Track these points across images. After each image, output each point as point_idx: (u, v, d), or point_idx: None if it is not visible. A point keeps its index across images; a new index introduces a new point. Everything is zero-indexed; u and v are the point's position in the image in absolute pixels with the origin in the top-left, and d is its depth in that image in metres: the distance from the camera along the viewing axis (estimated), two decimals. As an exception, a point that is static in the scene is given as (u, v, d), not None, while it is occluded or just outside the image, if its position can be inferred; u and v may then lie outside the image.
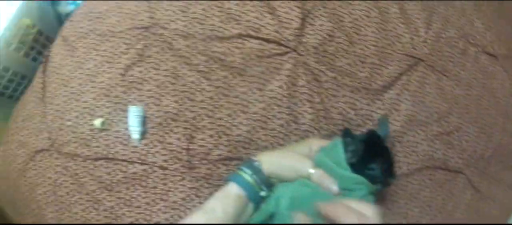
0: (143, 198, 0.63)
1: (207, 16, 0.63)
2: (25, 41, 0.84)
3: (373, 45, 0.64)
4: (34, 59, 0.87)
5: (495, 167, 0.80)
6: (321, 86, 0.62)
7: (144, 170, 0.63)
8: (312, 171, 0.51)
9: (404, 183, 0.69)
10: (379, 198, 0.67)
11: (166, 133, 0.61)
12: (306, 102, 0.61)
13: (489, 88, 0.77)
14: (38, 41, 0.86)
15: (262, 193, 0.52)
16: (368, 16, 0.65)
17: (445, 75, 0.70)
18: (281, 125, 0.60)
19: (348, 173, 0.51)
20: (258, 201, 0.53)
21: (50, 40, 0.88)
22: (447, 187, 0.74)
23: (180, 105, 0.61)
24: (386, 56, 0.65)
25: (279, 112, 0.60)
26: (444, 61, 0.70)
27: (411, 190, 0.70)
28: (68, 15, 0.86)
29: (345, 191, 0.52)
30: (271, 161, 0.52)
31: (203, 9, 0.63)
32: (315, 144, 0.55)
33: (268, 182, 0.52)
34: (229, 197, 0.51)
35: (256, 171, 0.51)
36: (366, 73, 0.63)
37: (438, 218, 0.74)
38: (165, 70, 0.62)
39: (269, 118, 0.60)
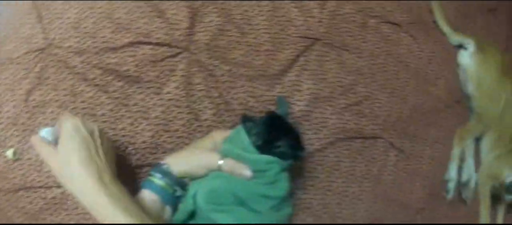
0: (68, 221, 0.63)
1: (98, 29, 0.63)
2: None
3: (266, 33, 0.65)
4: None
5: (415, 125, 0.83)
6: (217, 81, 0.62)
7: (62, 192, 0.62)
8: (221, 162, 0.52)
9: (320, 158, 0.71)
10: (299, 176, 0.70)
11: (75, 150, 0.62)
12: (205, 99, 0.62)
13: (395, 55, 0.79)
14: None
15: (177, 194, 0.54)
16: (258, 6, 0.66)
17: (345, 50, 0.72)
18: (184, 125, 0.61)
19: (257, 155, 0.53)
20: (174, 203, 0.54)
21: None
22: (367, 154, 0.76)
23: None
24: (280, 41, 0.66)
25: (179, 113, 0.61)
26: (343, 36, 0.72)
27: (329, 163, 0.72)
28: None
29: (258, 172, 0.54)
30: (179, 162, 0.53)
31: (94, 23, 0.63)
32: (218, 136, 0.57)
33: (181, 182, 0.53)
34: (143, 203, 0.52)
35: (166, 173, 0.52)
36: (261, 61, 0.64)
37: (366, 184, 0.76)
38: (64, 89, 0.62)
39: (170, 121, 0.61)
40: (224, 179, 0.53)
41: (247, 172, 0.53)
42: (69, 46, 0.63)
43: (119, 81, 0.61)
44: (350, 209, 0.74)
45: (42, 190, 0.63)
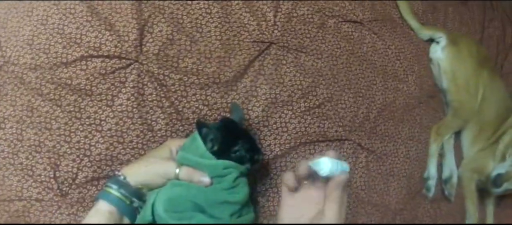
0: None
1: (51, 45, 0.63)
2: None
3: (217, 39, 0.64)
4: None
5: (385, 124, 0.81)
6: (169, 90, 0.62)
7: (23, 205, 0.63)
8: (178, 170, 0.52)
9: (282, 164, 0.69)
10: (262, 182, 0.69)
11: (33, 165, 0.63)
12: (157, 109, 0.62)
13: (359, 54, 0.78)
14: None
15: (135, 204, 0.54)
16: (209, 13, 0.65)
17: (303, 52, 0.71)
18: (138, 136, 0.61)
19: (214, 161, 0.53)
20: (132, 213, 0.54)
21: None
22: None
23: (40, 136, 0.62)
24: (232, 47, 0.65)
25: (132, 124, 0.61)
26: (300, 39, 0.70)
27: (292, 168, 0.72)
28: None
29: (217, 178, 0.53)
30: (136, 172, 0.53)
31: (47, 39, 0.63)
32: (174, 144, 0.56)
33: (138, 193, 0.53)
34: (101, 215, 0.52)
35: (122, 184, 0.52)
36: (213, 68, 0.64)
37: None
38: (21, 105, 0.63)
39: (124, 132, 0.61)
40: (182, 187, 0.52)
41: (205, 179, 0.52)
42: (24, 63, 0.64)
43: (71, 95, 0.62)
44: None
45: (6, 203, 0.64)
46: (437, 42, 0.90)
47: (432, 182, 0.87)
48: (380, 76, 0.80)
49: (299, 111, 0.70)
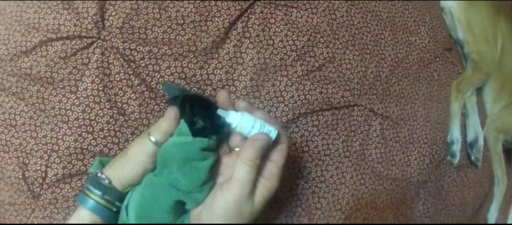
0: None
1: (10, 34, 0.51)
2: None
3: (190, 3, 0.49)
4: None
5: (399, 84, 0.63)
6: (138, 66, 0.48)
7: None
8: (152, 138, 0.38)
9: (282, 139, 0.53)
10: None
11: (3, 167, 0.50)
12: (127, 89, 0.48)
13: (360, 4, 0.61)
14: None
15: (115, 209, 0.40)
16: (177, -27, 0.50)
17: (293, 7, 0.54)
18: (108, 123, 0.48)
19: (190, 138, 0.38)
20: (115, 220, 0.41)
21: None
22: (342, 127, 0.58)
23: (6, 134, 0.50)
24: (208, 9, 0.50)
25: (100, 110, 0.48)
26: (288, -8, 0.54)
27: (294, 144, 0.55)
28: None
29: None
30: (120, 174, 0.40)
31: (6, 28, 0.52)
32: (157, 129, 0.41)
33: (123, 197, 0.40)
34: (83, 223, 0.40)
35: (107, 190, 0.39)
36: (188, 35, 0.49)
37: (346, 163, 0.57)
38: (-15, 103, 0.51)
39: (92, 120, 0.48)
40: (150, 188, 0.39)
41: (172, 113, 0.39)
42: (-15, 58, 0.51)
43: (33, 85, 0.49)
44: (330, 197, 0.56)
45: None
46: (447, -11, 0.71)
47: (456, 147, 0.68)
48: (388, 29, 0.62)
49: (296, 76, 0.54)
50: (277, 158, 0.37)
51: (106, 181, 0.39)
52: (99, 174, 0.40)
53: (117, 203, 0.40)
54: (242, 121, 0.35)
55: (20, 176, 0.50)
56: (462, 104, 0.70)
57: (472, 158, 0.70)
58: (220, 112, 0.36)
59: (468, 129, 0.72)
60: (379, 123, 0.61)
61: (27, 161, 0.50)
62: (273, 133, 0.35)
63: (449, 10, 0.72)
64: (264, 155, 0.37)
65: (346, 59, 0.59)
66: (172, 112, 0.39)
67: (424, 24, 0.67)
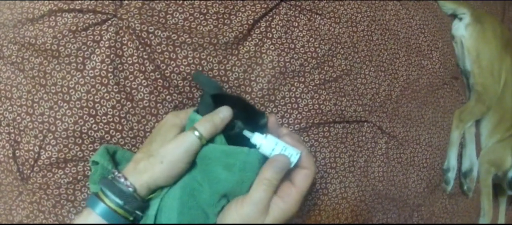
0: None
1: None
2: None
3: (216, -7, 0.45)
4: None
5: (408, 105, 0.61)
6: (153, 51, 0.43)
7: None
8: (196, 133, 0.33)
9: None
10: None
11: (-9, 143, 0.44)
12: (139, 73, 0.42)
13: (381, 21, 0.57)
14: None
15: (136, 218, 0.34)
16: (205, -39, 0.45)
17: (318, 14, 0.50)
18: (113, 108, 0.42)
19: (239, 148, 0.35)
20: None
21: None
22: (351, 141, 0.54)
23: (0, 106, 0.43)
24: (234, 2, 0.45)
25: (107, 93, 0.42)
26: (312, -2, 0.50)
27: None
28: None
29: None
30: (152, 179, 0.34)
31: None
32: (177, 117, 0.36)
33: (145, 206, 0.34)
34: None
35: (129, 199, 0.33)
36: (210, 26, 0.44)
37: (350, 178, 0.54)
38: (-20, 70, 0.45)
39: (96, 102, 0.42)
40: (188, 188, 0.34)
41: (224, 113, 0.35)
42: (-14, 21, 0.45)
43: (36, 56, 0.43)
44: (330, 211, 0.52)
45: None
46: (460, 19, 0.70)
47: (451, 175, 0.66)
48: (404, 49, 0.59)
49: (313, 84, 0.50)
50: (300, 183, 0.34)
51: (130, 189, 0.33)
52: (120, 179, 0.33)
53: (136, 211, 0.34)
54: (265, 143, 0.34)
55: (10, 155, 0.42)
56: (462, 133, 0.69)
57: (465, 187, 0.68)
58: (245, 133, 0.35)
59: (464, 159, 0.70)
60: (385, 142, 0.58)
61: (20, 139, 0.43)
62: (294, 157, 0.34)
63: (460, 39, 0.70)
64: (285, 177, 0.34)
65: (362, 74, 0.56)
66: (226, 112, 0.35)
67: (436, 50, 0.65)
